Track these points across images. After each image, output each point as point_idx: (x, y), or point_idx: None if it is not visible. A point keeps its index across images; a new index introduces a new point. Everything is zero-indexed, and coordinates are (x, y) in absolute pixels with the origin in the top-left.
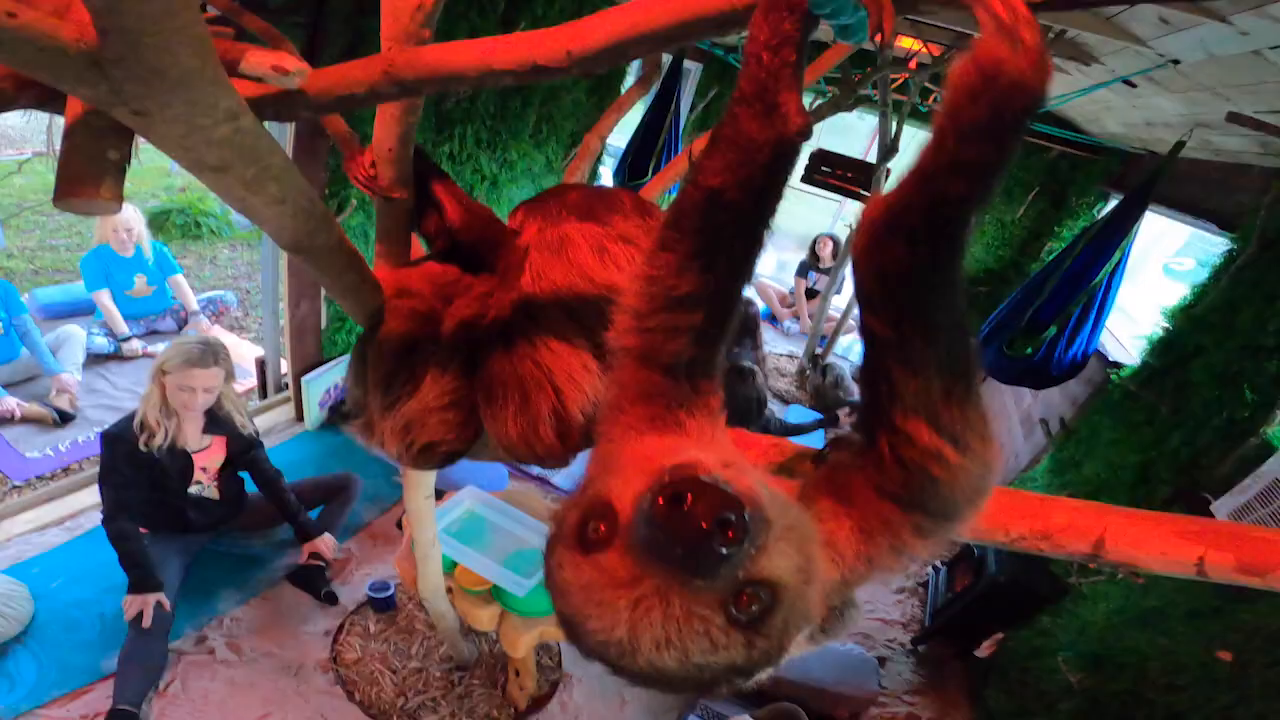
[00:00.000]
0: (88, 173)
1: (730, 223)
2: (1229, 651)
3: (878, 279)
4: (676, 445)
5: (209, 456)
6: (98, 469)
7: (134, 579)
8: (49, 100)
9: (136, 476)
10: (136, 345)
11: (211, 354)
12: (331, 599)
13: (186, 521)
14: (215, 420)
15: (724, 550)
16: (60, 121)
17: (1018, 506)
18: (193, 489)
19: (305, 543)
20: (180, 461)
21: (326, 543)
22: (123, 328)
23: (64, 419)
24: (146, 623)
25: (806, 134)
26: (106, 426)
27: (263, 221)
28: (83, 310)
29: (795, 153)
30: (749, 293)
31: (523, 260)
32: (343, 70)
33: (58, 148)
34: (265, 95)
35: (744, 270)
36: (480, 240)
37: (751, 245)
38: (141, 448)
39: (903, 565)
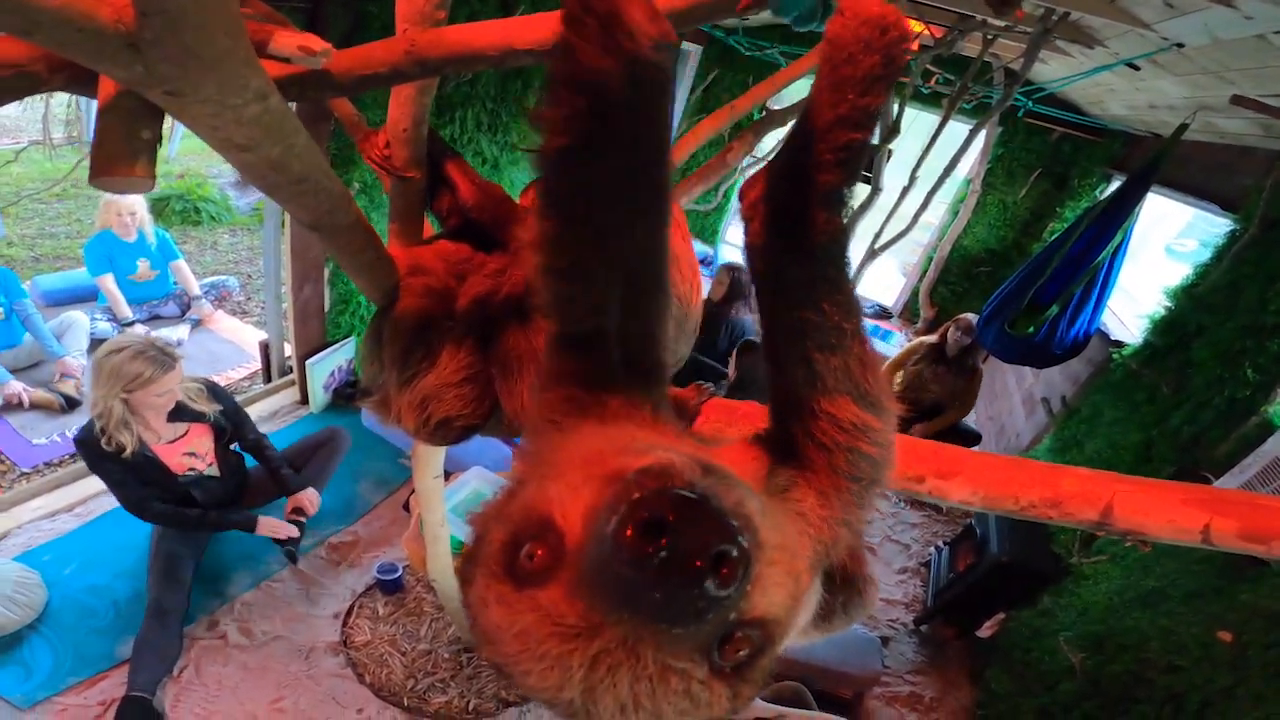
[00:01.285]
0: (123, 152)
1: (601, 185)
2: (1229, 632)
3: (807, 261)
4: (632, 436)
5: (192, 440)
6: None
7: (233, 525)
8: (80, 82)
9: (123, 469)
10: (140, 331)
11: (168, 355)
12: (291, 556)
13: (194, 504)
14: (176, 408)
15: (720, 594)
16: (56, 111)
17: (1027, 475)
18: (186, 474)
19: (288, 496)
20: (151, 461)
21: (310, 496)
22: (126, 312)
23: (70, 405)
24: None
25: (668, 48)
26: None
27: (285, 200)
28: (85, 297)
29: (660, 78)
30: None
31: None
32: (366, 51)
33: (54, 137)
34: (291, 75)
35: (643, 235)
36: (493, 218)
37: (643, 208)
38: (105, 446)
39: (855, 530)
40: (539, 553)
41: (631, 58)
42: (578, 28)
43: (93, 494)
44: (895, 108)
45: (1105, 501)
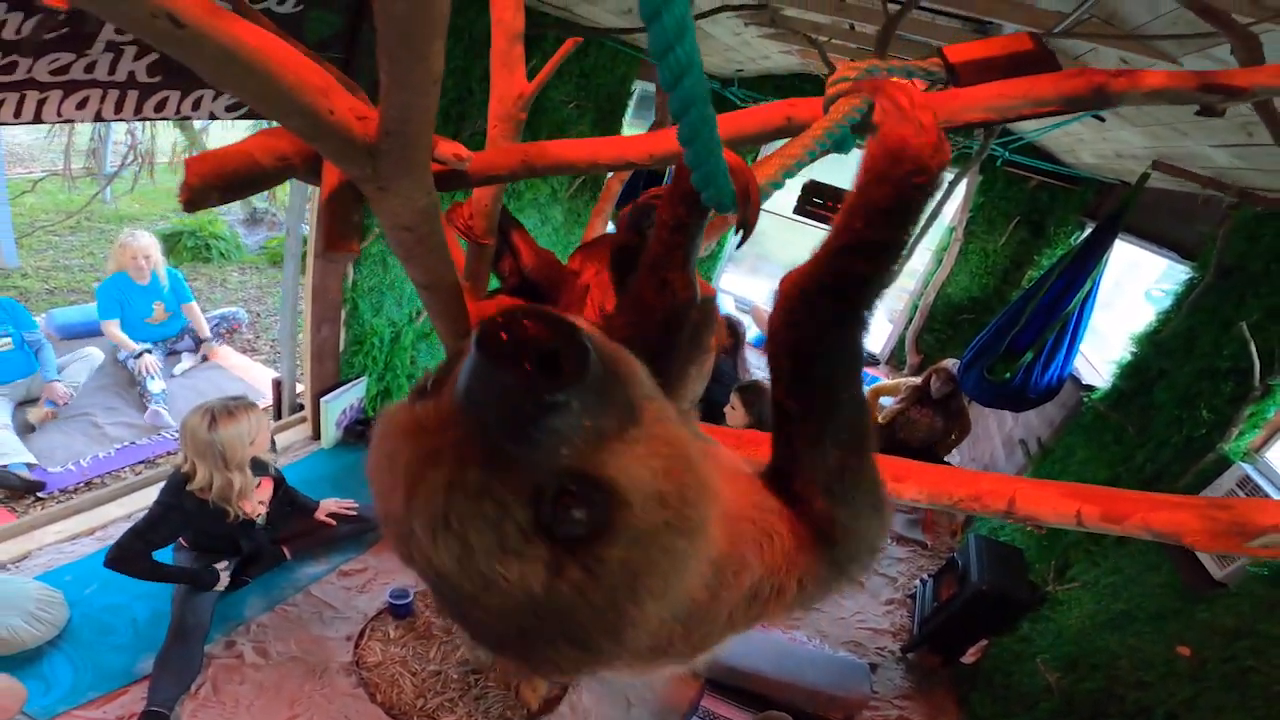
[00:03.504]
0: (344, 232)
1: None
2: (1187, 647)
3: (790, 356)
4: None
5: (262, 492)
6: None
7: (198, 583)
8: (314, 172)
9: (189, 525)
10: (152, 360)
11: (238, 398)
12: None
13: (239, 549)
14: (256, 462)
15: (549, 397)
16: (78, 142)
17: (956, 479)
18: (256, 522)
19: (312, 514)
20: (243, 521)
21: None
22: (132, 346)
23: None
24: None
25: (693, 302)
26: (159, 497)
27: (415, 266)
28: (99, 331)
29: (686, 315)
30: (736, 314)
31: (584, 296)
32: (492, 157)
33: (74, 167)
34: (441, 173)
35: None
36: (547, 279)
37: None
38: (230, 518)
39: (811, 600)
40: (439, 376)
41: (671, 304)
42: (649, 274)
43: (111, 520)
44: None
45: (1009, 496)
